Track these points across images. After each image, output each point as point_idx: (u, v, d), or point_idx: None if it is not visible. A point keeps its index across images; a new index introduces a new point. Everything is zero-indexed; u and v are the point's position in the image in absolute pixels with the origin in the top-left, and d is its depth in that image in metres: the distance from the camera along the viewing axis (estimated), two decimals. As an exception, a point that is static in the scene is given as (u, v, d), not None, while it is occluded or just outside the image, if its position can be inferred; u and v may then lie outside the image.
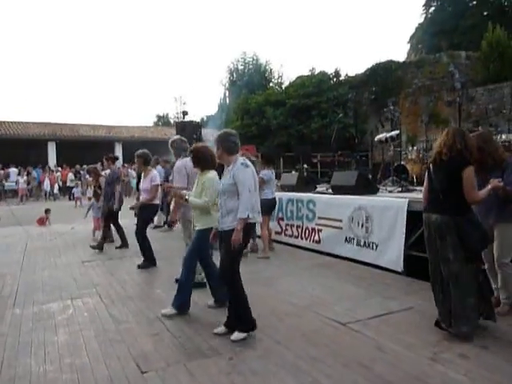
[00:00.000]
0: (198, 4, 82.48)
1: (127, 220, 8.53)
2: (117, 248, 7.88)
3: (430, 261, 3.68)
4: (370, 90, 18.07)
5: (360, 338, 3.49)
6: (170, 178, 5.77)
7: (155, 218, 9.52)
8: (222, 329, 3.68)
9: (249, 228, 3.58)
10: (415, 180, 8.80)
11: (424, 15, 31.74)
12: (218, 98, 50.24)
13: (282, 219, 8.12)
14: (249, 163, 3.65)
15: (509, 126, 10.02)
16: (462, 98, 9.89)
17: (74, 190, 19.79)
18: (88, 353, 3.42)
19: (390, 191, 7.39)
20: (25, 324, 4.15)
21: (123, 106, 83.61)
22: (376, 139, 9.12)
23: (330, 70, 21.82)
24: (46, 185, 22.72)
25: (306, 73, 22.90)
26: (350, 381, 2.82)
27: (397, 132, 8.65)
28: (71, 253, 7.83)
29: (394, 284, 5.12)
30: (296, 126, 18.91)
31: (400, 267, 5.53)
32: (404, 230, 5.53)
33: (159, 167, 9.73)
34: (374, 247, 6.01)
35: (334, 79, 21.25)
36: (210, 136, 16.74)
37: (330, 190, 7.69)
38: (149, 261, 6.36)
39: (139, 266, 6.35)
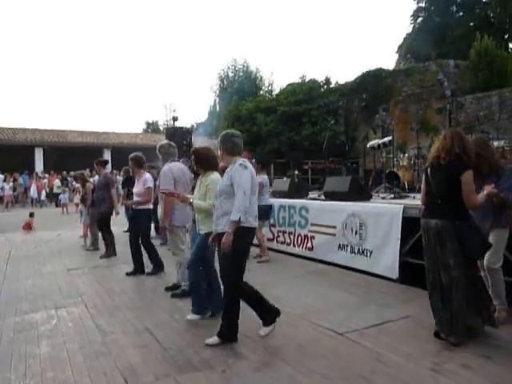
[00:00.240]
0: (188, 11, 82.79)
1: (115, 227, 8.31)
2: (102, 257, 7.62)
3: (429, 268, 3.58)
4: (361, 97, 18.13)
5: (358, 349, 3.35)
6: (157, 183, 5.63)
7: None
8: (214, 339, 3.51)
9: (246, 232, 3.45)
10: (407, 187, 8.77)
11: (412, 25, 32.16)
12: (208, 105, 50.31)
13: (274, 226, 7.98)
14: (248, 165, 3.54)
15: (497, 133, 10.12)
16: (452, 105, 9.96)
17: (61, 196, 19.50)
18: (72, 366, 3.23)
19: (383, 198, 7.32)
20: (5, 334, 3.95)
21: (112, 112, 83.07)
22: (368, 145, 9.07)
23: (321, 78, 21.88)
24: (33, 191, 22.35)
25: (297, 80, 22.95)
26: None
27: (389, 138, 8.62)
28: (57, 260, 7.60)
29: (390, 292, 5.00)
30: (287, 132, 18.84)
31: (395, 274, 5.42)
32: (399, 237, 5.42)
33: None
34: (368, 254, 5.90)
35: (325, 87, 21.29)
36: (200, 143, 16.61)
37: (323, 197, 7.59)
38: (157, 267, 6.19)
39: (128, 274, 6.17)
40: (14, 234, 11.33)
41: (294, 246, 7.44)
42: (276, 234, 7.94)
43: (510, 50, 19.81)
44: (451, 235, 3.34)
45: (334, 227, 6.51)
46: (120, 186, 12.10)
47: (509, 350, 3.26)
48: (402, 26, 79.69)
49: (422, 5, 31.08)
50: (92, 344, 3.66)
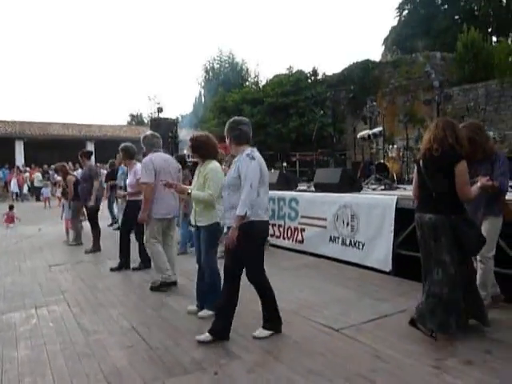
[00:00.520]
0: (173, 1, 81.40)
1: (100, 222, 8.02)
2: (87, 252, 7.35)
3: (423, 262, 3.44)
4: (348, 88, 18.05)
5: (356, 346, 3.21)
6: (138, 176, 5.42)
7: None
8: (206, 336, 3.34)
9: (255, 227, 3.27)
10: (395, 178, 8.69)
11: (398, 18, 32.17)
12: (192, 98, 49.67)
13: (263, 218, 7.81)
14: (256, 154, 3.35)
15: (484, 125, 10.10)
16: (440, 96, 9.89)
17: (43, 190, 19.03)
18: (52, 370, 3.02)
19: (374, 189, 7.22)
20: (-20, 337, 3.70)
21: (96, 104, 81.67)
22: (359, 136, 8.96)
23: (308, 69, 21.73)
24: (13, 185, 21.77)
25: (284, 71, 22.75)
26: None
27: (380, 129, 8.51)
28: (38, 256, 7.31)
29: (384, 285, 4.88)
30: (274, 124, 18.69)
31: (388, 267, 5.31)
32: (392, 229, 5.31)
33: (123, 166, 9.21)
34: (361, 246, 5.78)
35: (312, 78, 21.16)
36: (184, 135, 16.32)
37: (313, 188, 7.44)
38: (145, 262, 5.90)
39: (112, 269, 5.94)
40: (-7, 229, 10.93)
41: (284, 238, 7.29)
42: (265, 227, 7.77)
43: (493, 43, 19.91)
44: (446, 230, 3.20)
45: (325, 219, 6.37)
46: (103, 180, 11.81)
47: (507, 343, 3.15)
48: (388, 18, 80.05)
49: (408, -3, 31.14)
50: (74, 345, 3.45)
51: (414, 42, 25.84)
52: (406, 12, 31.91)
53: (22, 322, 4.04)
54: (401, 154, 9.49)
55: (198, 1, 77.78)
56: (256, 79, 29.92)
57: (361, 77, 18.56)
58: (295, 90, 19.27)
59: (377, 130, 8.51)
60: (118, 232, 6.73)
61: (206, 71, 33.44)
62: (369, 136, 8.41)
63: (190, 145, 4.07)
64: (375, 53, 66.70)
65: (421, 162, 3.43)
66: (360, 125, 10.75)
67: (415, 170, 3.63)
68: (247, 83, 28.13)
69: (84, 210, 7.96)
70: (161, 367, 2.98)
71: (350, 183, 6.71)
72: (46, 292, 5.05)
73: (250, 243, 3.26)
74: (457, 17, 28.71)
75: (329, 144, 15.13)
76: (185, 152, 12.65)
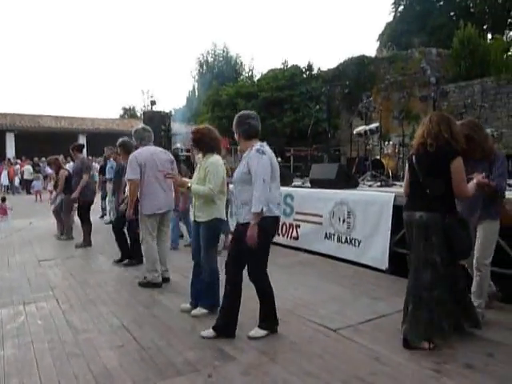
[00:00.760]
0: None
1: (92, 215, 7.87)
2: (77, 247, 7.22)
3: (410, 264, 3.32)
4: (343, 84, 17.90)
5: (354, 347, 3.13)
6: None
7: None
8: (210, 332, 3.30)
9: (269, 223, 3.19)
10: (391, 175, 8.61)
11: (393, 14, 32.05)
12: (186, 92, 49.34)
13: (258, 214, 7.71)
14: (266, 149, 3.25)
15: (480, 122, 10.04)
16: (436, 93, 9.81)
17: (34, 183, 18.76)
18: (40, 371, 2.90)
19: (370, 186, 7.14)
20: (-35, 335, 3.56)
21: (88, 97, 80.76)
22: (355, 132, 8.86)
23: (303, 64, 21.52)
24: (4, 178, 21.47)
25: (279, 66, 22.54)
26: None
27: (376, 124, 8.42)
28: (27, 250, 7.15)
29: (380, 283, 4.82)
30: (268, 119, 18.50)
31: (385, 265, 5.24)
32: (389, 226, 5.24)
33: (112, 160, 8.98)
34: (357, 244, 5.71)
35: (307, 73, 20.97)
36: (177, 129, 16.13)
37: (308, 184, 7.35)
38: (137, 258, 5.81)
39: (116, 261, 6.01)
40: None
41: (279, 235, 7.16)
42: (259, 223, 7.67)
43: (489, 40, 19.88)
44: (438, 229, 3.06)
45: (321, 216, 6.28)
46: (95, 174, 11.63)
47: (508, 345, 3.09)
48: (384, 14, 79.87)
49: (404, -7, 31.02)
50: (63, 344, 3.33)
51: (409, 38, 25.70)
52: (401, 8, 31.78)
53: (9, 319, 3.92)
54: (396, 150, 9.42)
55: (192, -7, 76.94)
56: (250, 73, 29.71)
57: (356, 72, 18.41)
58: (290, 84, 19.08)
59: (373, 125, 8.42)
60: (110, 226, 6.62)
61: (200, 65, 33.13)
62: (365, 132, 8.32)
63: (192, 137, 3.96)
64: (370, 48, 66.71)
65: (413, 157, 3.27)
66: (356, 120, 10.64)
67: (407, 166, 3.47)
68: (241, 77, 27.90)
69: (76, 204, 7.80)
70: (152, 368, 2.88)
71: (346, 179, 6.63)
72: (34, 288, 4.92)
73: (262, 239, 3.17)
74: (452, 13, 28.65)
75: (323, 139, 15.03)
76: (178, 146, 12.50)
